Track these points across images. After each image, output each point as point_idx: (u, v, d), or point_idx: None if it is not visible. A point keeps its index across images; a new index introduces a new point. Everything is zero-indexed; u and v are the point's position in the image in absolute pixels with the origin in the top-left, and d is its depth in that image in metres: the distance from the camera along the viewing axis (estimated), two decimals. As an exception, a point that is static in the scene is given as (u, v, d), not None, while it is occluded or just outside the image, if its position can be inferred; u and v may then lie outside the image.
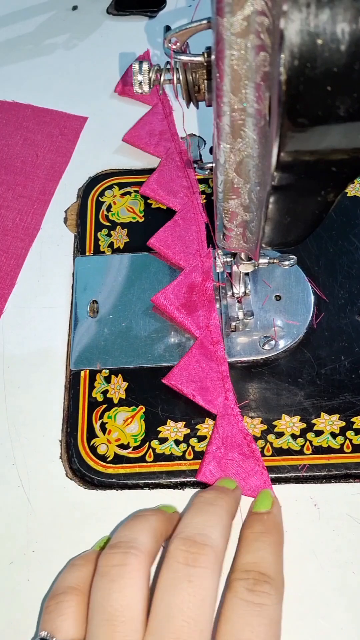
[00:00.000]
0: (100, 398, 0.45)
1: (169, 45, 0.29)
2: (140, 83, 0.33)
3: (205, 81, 0.30)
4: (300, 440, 0.42)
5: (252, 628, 0.32)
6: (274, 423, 0.43)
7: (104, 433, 0.44)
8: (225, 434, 0.42)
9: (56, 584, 0.36)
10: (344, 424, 0.43)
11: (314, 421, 0.43)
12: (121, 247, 0.52)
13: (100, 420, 0.44)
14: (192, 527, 0.35)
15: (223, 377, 0.44)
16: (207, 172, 0.37)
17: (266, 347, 0.45)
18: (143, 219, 0.53)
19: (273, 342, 0.45)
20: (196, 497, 0.38)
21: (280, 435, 0.43)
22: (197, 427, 0.43)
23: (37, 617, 0.39)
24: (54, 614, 0.34)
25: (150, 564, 0.34)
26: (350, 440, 0.42)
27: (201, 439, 0.43)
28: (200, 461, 0.42)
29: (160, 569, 0.34)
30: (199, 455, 0.42)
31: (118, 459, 0.43)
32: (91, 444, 0.43)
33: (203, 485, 0.42)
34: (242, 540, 0.37)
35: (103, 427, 0.44)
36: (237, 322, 0.45)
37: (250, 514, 0.39)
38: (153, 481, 0.42)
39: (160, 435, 0.43)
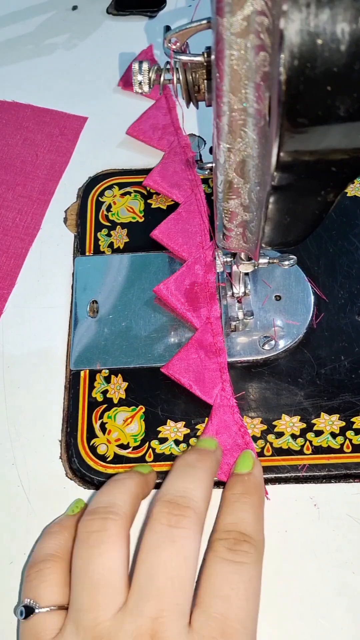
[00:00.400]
0: (100, 398, 0.45)
1: (169, 45, 0.29)
2: (140, 83, 0.33)
3: (205, 81, 0.30)
4: (300, 440, 0.42)
5: (232, 585, 0.33)
6: (273, 423, 0.43)
7: (104, 433, 0.44)
8: (220, 425, 0.42)
9: (34, 552, 0.37)
10: (343, 424, 0.43)
11: (313, 421, 0.43)
12: (121, 247, 0.52)
13: (100, 420, 0.44)
14: (174, 489, 0.36)
15: (221, 368, 0.44)
16: (207, 172, 0.37)
17: (266, 347, 0.45)
18: (143, 219, 0.53)
19: (273, 342, 0.45)
20: (177, 459, 0.39)
21: (280, 435, 0.43)
22: (197, 427, 0.43)
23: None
24: (36, 582, 0.34)
25: (128, 527, 0.35)
26: (350, 440, 0.42)
27: (201, 439, 0.43)
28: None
29: (143, 530, 0.34)
30: (198, 455, 0.42)
31: (118, 459, 0.43)
32: (91, 444, 0.43)
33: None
34: (223, 501, 0.38)
35: (103, 427, 0.44)
36: (237, 322, 0.45)
37: (231, 475, 0.40)
38: (153, 481, 0.42)
39: (160, 435, 0.43)
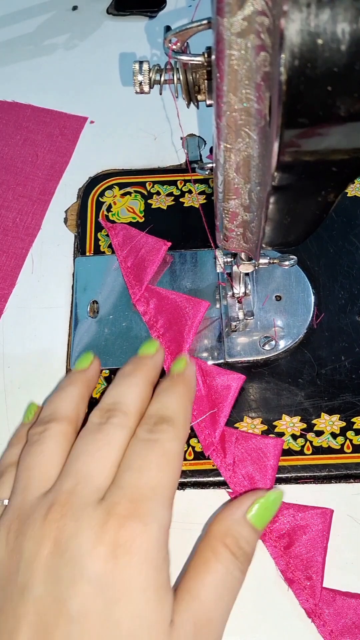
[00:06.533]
0: (100, 398, 0.45)
1: (169, 45, 0.29)
2: (140, 83, 0.33)
3: (206, 81, 0.30)
4: (301, 441, 0.42)
5: (144, 458, 0.34)
6: (274, 423, 0.43)
7: (104, 433, 0.44)
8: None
9: None
10: (344, 424, 0.43)
11: (314, 421, 0.43)
12: (121, 247, 0.52)
13: (101, 421, 0.44)
14: (107, 398, 0.38)
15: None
16: (207, 172, 0.37)
17: (266, 347, 0.45)
18: (143, 219, 0.53)
19: (273, 343, 0.45)
20: (118, 373, 0.40)
21: (280, 435, 0.43)
22: (197, 427, 0.43)
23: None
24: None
25: (71, 428, 0.37)
26: (351, 441, 0.42)
27: (201, 439, 0.43)
28: (200, 461, 0.42)
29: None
30: (199, 456, 0.42)
31: (118, 459, 0.43)
32: (91, 444, 0.43)
33: (203, 484, 0.42)
34: (152, 396, 0.39)
35: (103, 428, 0.44)
36: (238, 322, 0.45)
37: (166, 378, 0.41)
38: (153, 481, 0.42)
39: (160, 436, 0.43)
